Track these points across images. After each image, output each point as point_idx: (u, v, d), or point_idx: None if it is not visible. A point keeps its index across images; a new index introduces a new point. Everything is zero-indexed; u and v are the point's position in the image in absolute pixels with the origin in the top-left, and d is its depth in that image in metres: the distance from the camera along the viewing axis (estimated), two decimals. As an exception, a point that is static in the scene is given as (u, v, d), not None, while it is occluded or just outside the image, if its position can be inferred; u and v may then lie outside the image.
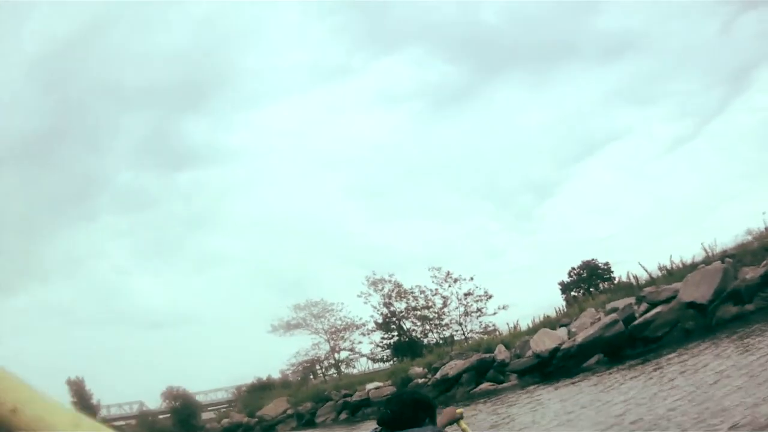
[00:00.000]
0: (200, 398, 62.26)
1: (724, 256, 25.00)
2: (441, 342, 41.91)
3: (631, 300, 26.47)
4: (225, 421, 43.36)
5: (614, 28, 69.94)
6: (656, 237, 61.66)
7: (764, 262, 23.07)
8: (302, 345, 47.44)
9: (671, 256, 28.30)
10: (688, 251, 28.01)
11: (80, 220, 72.42)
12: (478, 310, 43.79)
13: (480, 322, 43.83)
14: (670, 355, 20.21)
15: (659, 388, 15.29)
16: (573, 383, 21.67)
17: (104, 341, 62.80)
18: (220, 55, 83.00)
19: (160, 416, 61.44)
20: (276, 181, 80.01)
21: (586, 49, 74.35)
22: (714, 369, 15.36)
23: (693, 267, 25.86)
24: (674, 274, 26.74)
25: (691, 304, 23.87)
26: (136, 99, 75.57)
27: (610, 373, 21.05)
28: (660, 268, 28.46)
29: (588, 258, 46.55)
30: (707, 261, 25.55)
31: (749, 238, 26.86)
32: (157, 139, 77.59)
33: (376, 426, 4.05)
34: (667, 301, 24.84)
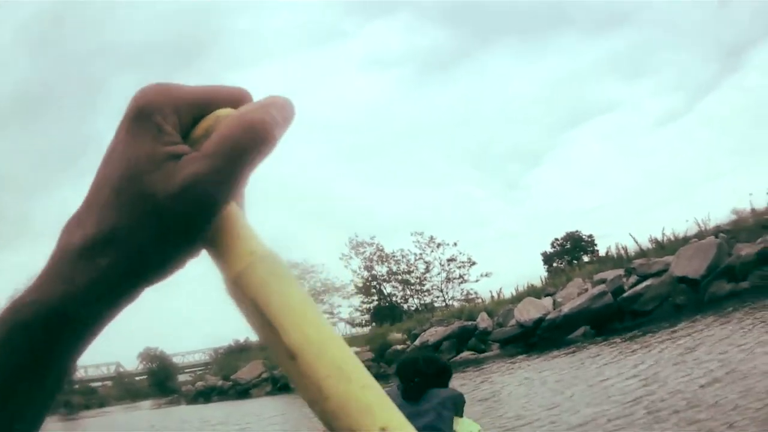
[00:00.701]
0: (177, 360, 61.71)
1: (717, 231, 24.28)
2: (421, 308, 41.32)
3: (620, 272, 25.73)
4: (199, 384, 42.59)
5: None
6: (642, 211, 61.46)
7: (760, 239, 22.34)
8: (282, 307, 46.59)
9: (663, 228, 27.55)
10: (674, 227, 27.19)
11: (73, 178, 71.21)
12: (461, 276, 43.69)
13: (462, 289, 43.90)
14: (677, 328, 19.44)
15: (678, 360, 14.49)
16: (570, 354, 20.96)
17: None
18: (212, 14, 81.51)
19: (137, 377, 60.95)
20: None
21: (579, 19, 73.50)
22: (735, 342, 14.57)
23: (685, 241, 25.18)
24: (665, 248, 26.08)
25: (683, 279, 23.21)
26: (129, 58, 74.06)
27: (610, 345, 20.33)
28: (651, 241, 27.74)
29: (572, 229, 46.26)
30: (700, 236, 24.86)
31: (734, 217, 26.07)
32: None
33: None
34: (658, 274, 24.18)
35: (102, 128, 72.79)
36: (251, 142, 0.52)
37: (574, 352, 21.14)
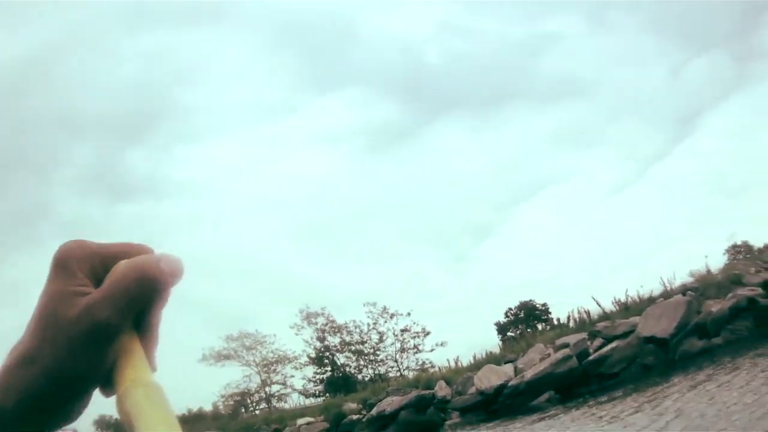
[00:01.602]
0: (131, 428, 60.13)
1: (684, 289, 22.99)
2: (376, 378, 39.67)
3: (584, 335, 24.21)
4: (151, 452, 40.10)
5: (559, 72, 68.90)
6: (595, 279, 60.18)
7: (730, 294, 21.09)
8: (234, 377, 44.96)
9: (627, 290, 26.19)
10: (636, 290, 26.02)
11: (23, 246, 68.63)
12: (415, 346, 42.31)
13: (417, 359, 42.47)
14: (653, 388, 17.92)
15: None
16: (536, 420, 19.28)
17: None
18: (164, 88, 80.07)
19: None
20: (216, 217, 76.83)
21: (529, 92, 73.29)
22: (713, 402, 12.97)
23: (651, 301, 23.91)
24: (630, 309, 24.66)
25: (651, 339, 21.83)
26: (81, 128, 72.06)
27: (577, 410, 18.66)
28: (614, 303, 26.31)
29: (525, 299, 45.07)
30: (666, 295, 23.62)
31: (692, 279, 24.89)
32: (100, 169, 73.71)
33: None
34: (624, 336, 22.85)
35: (55, 198, 70.79)
36: (134, 280, 0.68)
37: (542, 418, 19.49)
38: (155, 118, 78.91)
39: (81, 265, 0.69)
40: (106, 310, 0.66)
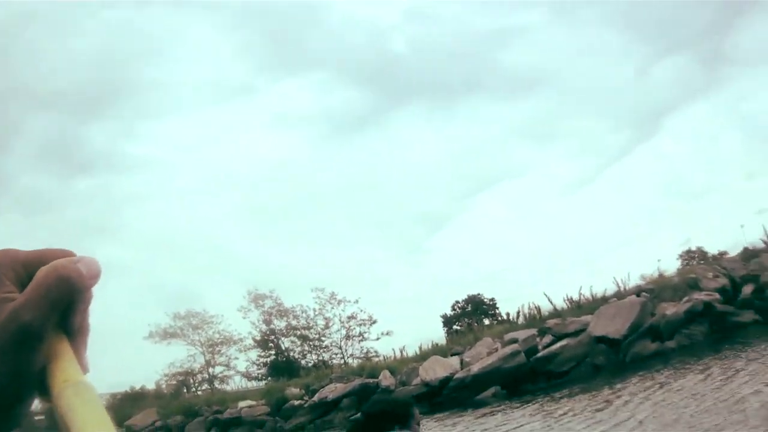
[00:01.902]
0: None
1: (639, 290, 22.42)
2: (319, 364, 38.77)
3: (533, 331, 23.55)
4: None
5: (523, 65, 68.13)
6: (547, 275, 59.78)
7: (686, 298, 20.53)
8: (178, 356, 43.71)
9: (580, 288, 25.55)
10: (582, 292, 25.44)
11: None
12: (361, 334, 41.59)
13: (362, 347, 41.74)
14: (605, 388, 17.44)
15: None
16: (485, 414, 18.57)
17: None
18: (127, 63, 78.09)
19: (36, 417, 56.84)
20: (172, 195, 75.06)
21: (492, 83, 72.44)
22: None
23: (604, 300, 23.33)
24: (583, 307, 24.08)
25: (603, 339, 21.21)
26: (41, 101, 69.81)
27: (522, 406, 18.00)
28: (566, 300, 25.67)
29: (474, 292, 44.49)
30: (619, 295, 23.01)
31: (642, 282, 24.40)
32: (59, 142, 71.60)
33: None
34: (575, 334, 22.33)
35: (13, 169, 68.51)
36: (53, 280, 0.69)
37: (492, 412, 18.81)
38: (115, 93, 76.92)
39: (6, 273, 0.71)
40: (29, 313, 0.67)
